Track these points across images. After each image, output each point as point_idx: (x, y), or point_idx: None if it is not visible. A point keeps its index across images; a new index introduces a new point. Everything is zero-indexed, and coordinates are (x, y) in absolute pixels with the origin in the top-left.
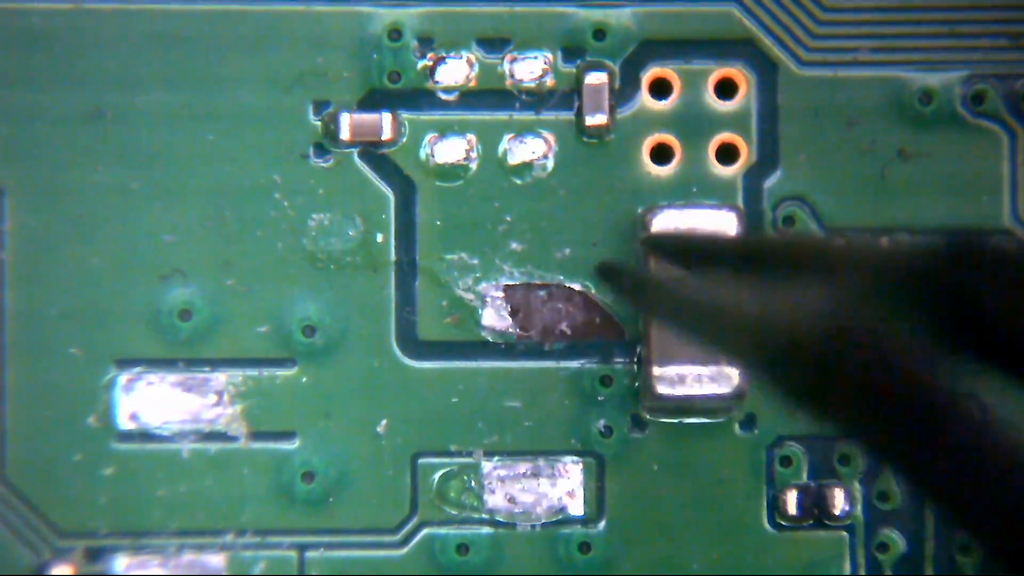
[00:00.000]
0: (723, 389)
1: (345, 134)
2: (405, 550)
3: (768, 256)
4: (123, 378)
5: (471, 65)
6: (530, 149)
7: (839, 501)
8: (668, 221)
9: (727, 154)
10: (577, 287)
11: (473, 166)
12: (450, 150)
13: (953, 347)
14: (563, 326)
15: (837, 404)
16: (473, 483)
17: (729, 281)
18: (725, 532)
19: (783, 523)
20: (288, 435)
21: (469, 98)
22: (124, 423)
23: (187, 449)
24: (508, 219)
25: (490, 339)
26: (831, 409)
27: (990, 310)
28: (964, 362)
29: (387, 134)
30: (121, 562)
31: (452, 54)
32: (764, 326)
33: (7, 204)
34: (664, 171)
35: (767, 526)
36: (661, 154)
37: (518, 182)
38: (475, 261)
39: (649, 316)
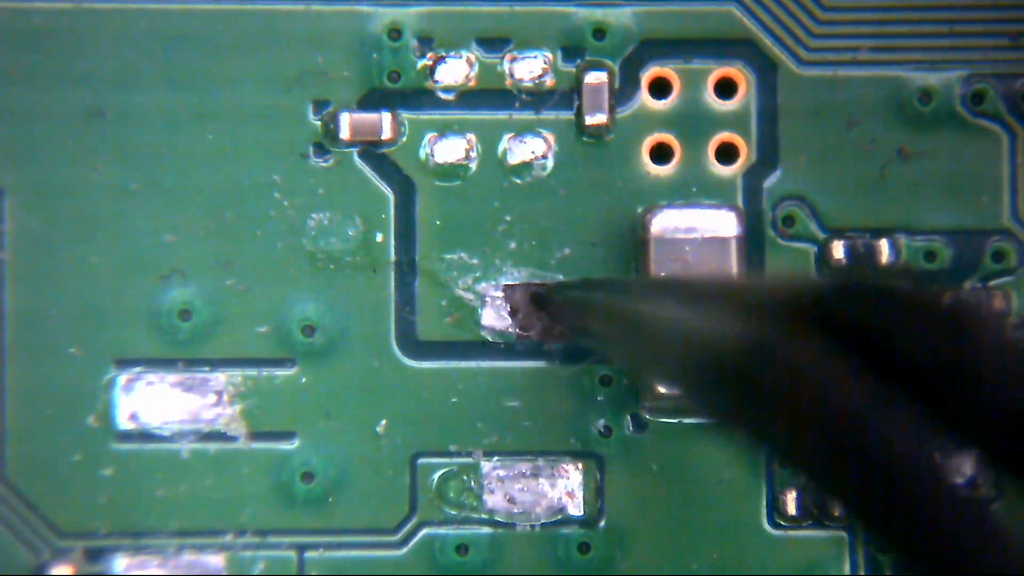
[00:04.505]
0: None
1: (345, 134)
2: (405, 550)
3: (675, 291)
4: (123, 378)
5: (471, 65)
6: (530, 149)
7: None
8: (668, 221)
9: (727, 154)
10: None
11: (473, 166)
12: (450, 150)
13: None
14: (563, 326)
15: (754, 417)
16: (473, 483)
17: (649, 303)
18: (725, 532)
19: (783, 523)
20: (288, 435)
21: (469, 98)
22: (124, 423)
23: (187, 449)
24: (508, 219)
25: (490, 339)
26: (748, 422)
27: (881, 343)
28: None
29: (387, 134)
30: (121, 562)
31: (452, 54)
32: (686, 343)
33: (7, 204)
34: (664, 171)
35: (767, 526)
36: (661, 154)
37: (518, 182)
38: (475, 261)
39: (576, 336)
